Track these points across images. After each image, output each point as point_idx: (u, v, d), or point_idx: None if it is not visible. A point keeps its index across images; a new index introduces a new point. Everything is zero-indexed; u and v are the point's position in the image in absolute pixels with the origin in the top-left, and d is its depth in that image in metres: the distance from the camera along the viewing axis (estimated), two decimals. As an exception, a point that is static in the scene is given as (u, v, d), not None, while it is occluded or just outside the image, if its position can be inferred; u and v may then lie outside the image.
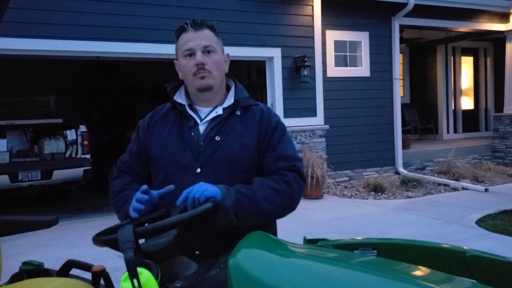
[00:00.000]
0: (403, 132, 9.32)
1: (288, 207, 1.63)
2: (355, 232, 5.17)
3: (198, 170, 1.61)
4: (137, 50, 6.59)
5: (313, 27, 7.81)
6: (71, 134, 7.35)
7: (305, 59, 7.52)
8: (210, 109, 1.71)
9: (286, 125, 1.83)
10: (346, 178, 8.33)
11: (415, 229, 5.30)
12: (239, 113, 1.70)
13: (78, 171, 7.08)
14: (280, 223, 1.76)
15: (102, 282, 1.78)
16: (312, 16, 7.80)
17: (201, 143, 1.65)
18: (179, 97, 1.74)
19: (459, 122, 12.30)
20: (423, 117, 12.07)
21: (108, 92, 12.44)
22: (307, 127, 7.69)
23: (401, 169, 8.76)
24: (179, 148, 1.66)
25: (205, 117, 1.70)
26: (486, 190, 7.53)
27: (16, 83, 10.16)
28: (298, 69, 7.61)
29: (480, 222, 5.50)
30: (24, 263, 1.83)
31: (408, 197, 7.33)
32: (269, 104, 7.40)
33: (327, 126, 7.89)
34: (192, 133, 1.67)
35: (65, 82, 10.85)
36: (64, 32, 6.15)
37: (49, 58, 6.98)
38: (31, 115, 7.66)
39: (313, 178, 6.94)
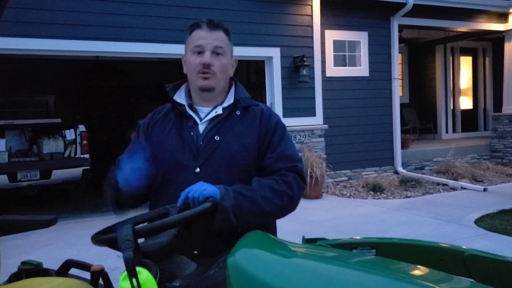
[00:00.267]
0: (402, 131, 9.32)
1: (288, 207, 1.62)
2: (354, 232, 5.18)
3: (197, 169, 1.61)
4: (136, 50, 6.59)
5: (312, 26, 7.81)
6: (70, 134, 7.35)
7: (304, 58, 7.52)
8: (210, 108, 1.71)
9: (285, 124, 1.82)
10: (345, 178, 8.33)
11: (414, 228, 5.31)
12: (239, 113, 1.70)
13: (77, 171, 7.08)
14: (279, 222, 1.76)
15: (101, 281, 1.78)
16: (311, 15, 7.81)
17: (201, 143, 1.65)
18: (179, 97, 1.74)
19: (458, 122, 12.31)
20: (422, 117, 12.08)
21: (107, 92, 12.43)
22: (306, 126, 7.70)
23: (400, 169, 8.77)
24: (178, 148, 1.66)
25: (205, 117, 1.70)
26: (484, 189, 7.54)
27: (15, 82, 10.15)
28: (297, 68, 7.61)
29: (479, 221, 5.51)
30: (23, 263, 1.83)
31: (407, 196, 7.34)
32: (268, 104, 7.40)
33: (326, 126, 7.90)
34: (192, 133, 1.67)
35: (64, 82, 10.84)
36: (63, 32, 6.15)
37: (48, 57, 6.98)
38: (30, 114, 7.66)
39: (312, 178, 6.95)
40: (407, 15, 8.51)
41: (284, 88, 7.63)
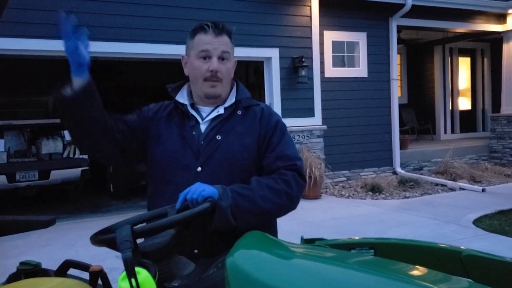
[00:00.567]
0: (401, 132, 9.33)
1: (287, 206, 1.62)
2: (353, 232, 5.18)
3: (199, 169, 1.61)
4: (136, 50, 6.59)
5: (311, 27, 7.82)
6: (68, 134, 7.34)
7: (303, 59, 7.53)
8: (212, 108, 1.72)
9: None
10: (344, 178, 8.34)
11: (412, 229, 5.31)
12: (240, 113, 1.71)
13: (76, 171, 7.08)
14: (278, 222, 1.77)
15: (99, 282, 1.78)
16: (310, 16, 7.81)
17: (202, 142, 1.65)
18: (181, 97, 1.74)
19: (456, 123, 12.33)
20: (420, 118, 12.09)
21: (106, 93, 12.42)
22: (305, 127, 7.70)
23: (398, 169, 8.77)
24: (180, 147, 1.66)
25: (206, 116, 1.70)
26: (483, 190, 7.55)
27: (14, 83, 10.13)
28: (296, 69, 7.62)
29: (477, 222, 5.52)
30: (21, 263, 1.83)
31: (405, 197, 7.35)
32: (267, 103, 7.40)
33: (325, 127, 7.90)
34: (193, 132, 1.67)
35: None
36: (62, 32, 6.14)
37: (47, 58, 6.96)
38: (29, 115, 7.65)
39: (311, 178, 6.96)
40: (405, 16, 8.52)
41: (283, 88, 7.64)
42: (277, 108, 7.47)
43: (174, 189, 1.55)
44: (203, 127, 1.69)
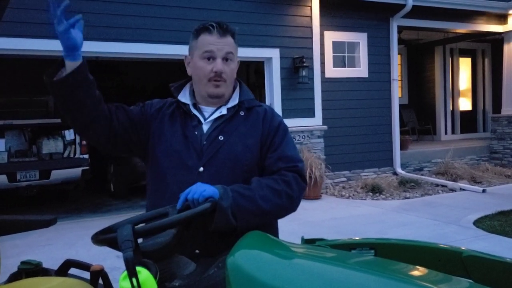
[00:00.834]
0: (401, 133, 9.33)
1: (288, 207, 1.62)
2: (353, 232, 5.18)
3: (201, 169, 1.61)
4: (137, 50, 6.59)
5: (311, 28, 7.82)
6: (69, 134, 7.35)
7: (304, 59, 7.53)
8: (214, 108, 1.72)
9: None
10: (344, 179, 8.34)
11: (412, 229, 5.31)
12: (242, 114, 1.71)
13: (76, 171, 7.08)
14: (278, 222, 1.77)
15: (100, 281, 1.78)
16: (311, 17, 7.81)
17: (204, 142, 1.65)
18: (183, 97, 1.74)
19: (457, 123, 12.33)
20: (421, 118, 12.09)
21: (107, 92, 12.41)
22: (305, 127, 7.70)
23: (399, 170, 8.77)
24: (182, 147, 1.65)
25: (209, 117, 1.70)
26: (483, 191, 7.55)
27: (15, 83, 10.13)
28: (296, 69, 7.62)
29: (478, 223, 5.52)
30: (22, 263, 1.83)
31: (406, 197, 7.34)
32: (268, 104, 7.40)
33: (325, 127, 7.90)
34: (196, 132, 1.67)
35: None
36: (63, 32, 6.14)
37: (48, 58, 6.97)
38: (29, 115, 7.65)
39: (311, 179, 6.96)
40: (406, 16, 8.52)
41: (284, 89, 7.64)
42: (278, 108, 7.48)
43: (177, 188, 1.55)
44: (205, 127, 1.68)
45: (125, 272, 1.13)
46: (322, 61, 7.98)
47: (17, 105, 8.08)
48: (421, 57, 12.46)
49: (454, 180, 8.34)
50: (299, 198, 1.65)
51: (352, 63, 8.49)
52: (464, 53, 12.44)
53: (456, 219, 5.72)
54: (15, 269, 1.84)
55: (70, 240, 5.20)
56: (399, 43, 9.18)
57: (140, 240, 1.29)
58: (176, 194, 1.50)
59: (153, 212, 1.53)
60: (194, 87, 1.75)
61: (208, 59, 1.65)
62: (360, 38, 8.46)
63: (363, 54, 8.49)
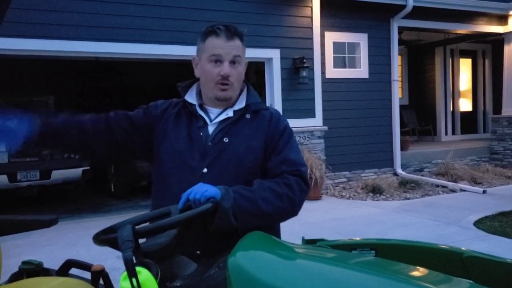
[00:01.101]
0: (402, 133, 9.33)
1: (289, 210, 1.62)
2: (353, 233, 5.18)
3: (205, 170, 1.61)
4: (136, 50, 6.60)
5: (312, 28, 7.82)
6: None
7: (304, 60, 7.53)
8: (221, 110, 1.71)
9: (287, 126, 1.82)
10: (345, 179, 8.34)
11: (413, 230, 5.31)
12: (248, 116, 1.71)
13: (77, 171, 7.09)
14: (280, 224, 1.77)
15: (101, 281, 1.79)
16: (311, 17, 7.82)
17: (209, 144, 1.64)
18: (190, 97, 1.74)
19: (457, 124, 12.33)
20: (421, 119, 12.09)
21: (107, 93, 12.43)
22: (305, 128, 7.70)
23: (399, 171, 8.77)
24: (186, 147, 1.65)
25: (215, 118, 1.70)
26: (484, 191, 7.55)
27: (15, 83, 10.15)
28: (297, 70, 7.62)
29: (478, 223, 5.52)
30: (23, 263, 1.84)
31: (406, 198, 7.34)
32: (267, 105, 7.41)
33: (325, 127, 7.91)
34: (201, 133, 1.67)
35: (64, 83, 10.85)
36: (64, 33, 6.16)
37: (48, 58, 6.98)
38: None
39: (312, 179, 6.95)
40: (407, 17, 8.52)
41: (284, 89, 7.64)
42: (278, 109, 7.43)
43: (180, 189, 1.54)
44: (211, 129, 1.68)
45: (125, 273, 1.14)
46: (322, 61, 7.98)
47: (17, 105, 8.08)
48: (421, 58, 12.46)
49: (455, 181, 8.34)
50: (301, 202, 1.65)
51: (353, 64, 8.49)
52: (464, 53, 12.44)
53: (457, 220, 5.72)
54: (16, 269, 1.84)
55: (71, 240, 5.20)
56: (399, 44, 9.18)
57: (142, 240, 1.29)
58: (178, 194, 1.50)
59: (154, 212, 1.53)
60: (202, 89, 1.75)
61: (215, 62, 1.64)
62: (361, 39, 8.46)
63: (363, 54, 8.50)
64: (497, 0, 9.47)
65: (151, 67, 10.65)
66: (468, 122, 12.50)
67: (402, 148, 9.07)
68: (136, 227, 1.26)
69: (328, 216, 6.19)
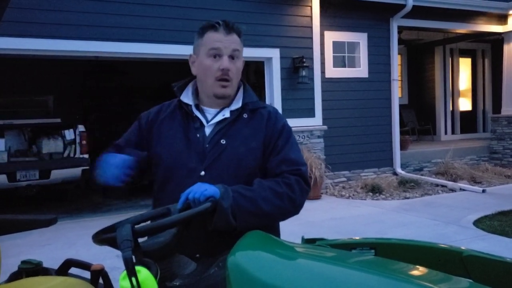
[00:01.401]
0: (401, 133, 9.33)
1: (289, 210, 1.60)
2: (353, 232, 5.18)
3: (202, 173, 1.60)
4: (136, 50, 6.59)
5: (311, 27, 7.82)
6: (69, 134, 7.35)
7: (304, 59, 7.53)
8: (217, 110, 1.69)
9: (287, 126, 1.81)
10: (344, 179, 8.34)
11: (412, 229, 5.31)
12: (246, 116, 1.68)
13: (76, 171, 7.08)
14: (279, 223, 1.77)
15: (100, 281, 1.79)
16: (311, 17, 7.81)
17: (207, 145, 1.63)
18: (186, 97, 1.72)
19: (456, 123, 12.33)
20: (421, 118, 12.09)
21: (106, 92, 12.42)
22: (305, 127, 7.70)
23: (399, 170, 8.77)
24: (184, 149, 1.64)
25: (211, 119, 1.68)
26: (483, 191, 7.55)
27: (15, 82, 10.14)
28: (296, 69, 7.62)
29: (478, 223, 5.52)
30: (23, 262, 1.84)
31: (405, 197, 7.35)
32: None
33: (325, 127, 7.91)
34: (198, 135, 1.65)
35: (63, 82, 10.84)
36: (63, 32, 6.15)
37: (48, 57, 6.97)
38: (29, 114, 7.65)
39: (311, 179, 6.95)
40: (406, 16, 8.52)
41: (284, 89, 7.64)
42: (278, 108, 7.43)
43: (178, 191, 1.52)
44: (208, 130, 1.66)
45: (125, 272, 1.14)
46: (322, 61, 7.98)
47: (17, 104, 8.08)
48: (421, 57, 12.46)
49: (454, 180, 8.34)
50: (301, 201, 1.63)
51: (352, 63, 8.49)
52: (464, 53, 12.44)
53: (456, 219, 5.72)
54: (15, 268, 1.84)
55: (70, 239, 5.20)
56: (399, 43, 9.18)
57: (142, 240, 1.29)
58: (177, 195, 1.49)
59: (153, 212, 1.53)
60: (199, 87, 1.72)
61: (214, 57, 1.62)
62: (360, 38, 8.46)
63: (363, 54, 8.49)
64: (496, 0, 9.49)
65: (151, 67, 10.64)
66: (468, 122, 12.51)
67: (401, 148, 9.08)
68: (136, 226, 1.25)
69: (328, 215, 6.19)
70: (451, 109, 12.19)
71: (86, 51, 6.40)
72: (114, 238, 1.24)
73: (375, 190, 7.56)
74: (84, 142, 7.26)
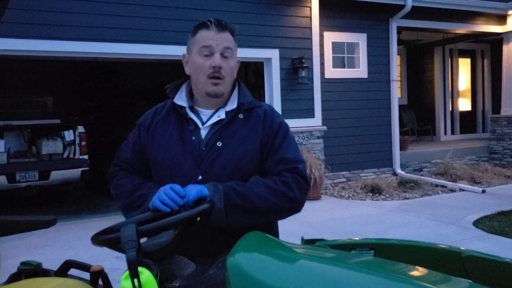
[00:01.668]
0: (401, 133, 9.34)
1: (286, 208, 1.59)
2: (353, 233, 5.18)
3: (200, 177, 1.57)
4: (135, 51, 6.60)
5: (311, 28, 7.83)
6: (69, 135, 7.35)
7: (303, 60, 7.53)
8: (212, 111, 1.66)
9: (286, 125, 1.80)
10: (344, 179, 8.34)
11: (412, 230, 5.31)
12: (241, 116, 1.65)
13: (76, 172, 7.08)
14: (278, 223, 1.76)
15: (100, 282, 1.78)
16: (310, 17, 7.82)
17: (203, 148, 1.60)
18: (180, 99, 1.69)
19: (456, 124, 12.33)
20: (420, 119, 12.10)
21: (106, 93, 12.43)
22: (305, 128, 7.70)
23: (398, 170, 8.77)
24: (179, 152, 1.61)
25: (207, 121, 1.65)
26: (483, 191, 7.55)
27: (14, 83, 10.15)
28: (296, 70, 7.62)
29: (477, 223, 5.52)
30: (22, 263, 1.83)
31: (405, 198, 7.35)
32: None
33: (324, 127, 7.91)
34: (193, 137, 1.62)
35: (62, 83, 10.85)
36: (63, 33, 6.15)
37: (47, 58, 6.98)
38: (29, 115, 7.65)
39: (311, 179, 6.95)
40: (405, 17, 8.53)
41: (283, 89, 7.64)
42: (277, 109, 7.39)
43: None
44: (203, 133, 1.63)
45: (127, 272, 1.13)
46: (321, 61, 7.99)
47: (17, 105, 8.08)
48: (420, 58, 12.47)
49: (454, 181, 8.34)
50: (300, 199, 1.61)
51: (352, 64, 8.50)
52: (463, 53, 12.45)
53: (456, 220, 5.72)
54: (15, 269, 1.84)
55: (70, 240, 5.20)
56: (398, 44, 9.18)
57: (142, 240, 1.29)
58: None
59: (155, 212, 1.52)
60: (193, 86, 1.70)
61: (206, 55, 1.61)
62: (360, 39, 8.47)
63: (362, 54, 8.50)
64: (495, 0, 9.48)
65: (149, 68, 10.65)
66: (467, 122, 12.51)
67: (401, 148, 9.08)
68: (139, 227, 1.25)
69: (327, 216, 6.19)
70: (450, 109, 12.19)
71: (86, 52, 6.40)
72: (114, 239, 1.24)
73: (374, 191, 7.57)
74: (83, 143, 7.26)
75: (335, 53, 8.29)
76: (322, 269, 1.08)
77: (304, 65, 7.52)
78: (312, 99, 7.87)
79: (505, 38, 10.07)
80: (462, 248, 1.44)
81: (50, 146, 7.20)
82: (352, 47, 8.46)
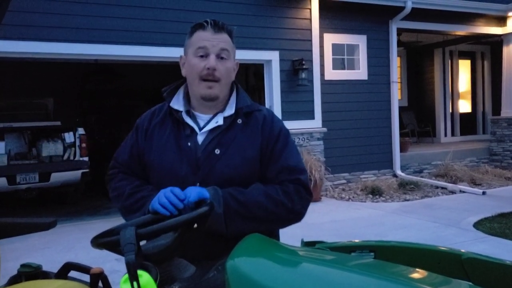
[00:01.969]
0: (401, 135, 9.33)
1: (286, 218, 1.56)
2: (353, 235, 5.18)
3: (198, 184, 1.53)
4: (135, 53, 6.60)
5: (311, 30, 7.83)
6: (69, 137, 7.35)
7: (303, 62, 7.54)
8: (210, 116, 1.62)
9: (285, 128, 1.79)
10: (344, 181, 8.33)
11: (412, 232, 5.31)
12: (240, 121, 1.60)
13: (76, 174, 7.08)
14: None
15: (100, 284, 1.78)
16: (310, 19, 7.83)
17: (199, 155, 1.55)
18: (176, 102, 1.64)
19: (456, 125, 12.33)
20: (420, 120, 12.10)
21: (106, 95, 12.43)
22: (305, 130, 7.70)
23: (398, 172, 8.77)
24: (176, 158, 1.57)
25: (204, 126, 1.60)
26: (483, 193, 7.55)
27: (14, 85, 10.15)
28: (296, 72, 7.63)
29: (478, 225, 5.52)
30: (22, 266, 1.83)
31: (405, 200, 7.34)
32: (267, 107, 7.41)
33: (325, 129, 7.91)
34: (189, 143, 1.57)
35: (63, 85, 10.85)
36: (63, 35, 6.16)
37: (48, 60, 6.98)
38: (29, 117, 7.66)
39: (311, 181, 6.96)
40: (405, 18, 8.54)
41: (283, 91, 7.65)
42: (277, 111, 7.48)
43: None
44: (200, 138, 1.58)
45: (126, 275, 1.13)
46: (321, 63, 7.99)
47: (17, 107, 8.09)
48: (420, 59, 12.47)
49: (454, 182, 8.34)
50: (301, 209, 1.58)
51: (352, 66, 8.50)
52: (463, 55, 12.45)
53: (456, 221, 5.71)
54: (14, 272, 1.83)
55: (70, 243, 5.20)
56: (398, 46, 9.19)
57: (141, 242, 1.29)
58: None
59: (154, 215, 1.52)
60: (189, 89, 1.65)
61: (202, 56, 1.56)
62: (360, 41, 8.47)
63: (362, 56, 8.50)
64: (495, 1, 9.49)
65: (150, 70, 10.65)
66: (468, 123, 12.51)
67: (401, 150, 9.08)
68: (138, 230, 1.25)
69: (328, 218, 6.19)
70: (450, 111, 12.19)
71: (86, 54, 6.41)
72: (113, 241, 1.24)
73: (375, 192, 7.56)
74: (84, 145, 7.26)
75: (335, 55, 8.30)
76: (322, 271, 1.08)
77: (304, 66, 7.53)
78: (312, 101, 7.87)
79: (505, 39, 10.08)
80: (462, 250, 1.44)
81: (50, 148, 7.20)
82: (352, 48, 8.47)
